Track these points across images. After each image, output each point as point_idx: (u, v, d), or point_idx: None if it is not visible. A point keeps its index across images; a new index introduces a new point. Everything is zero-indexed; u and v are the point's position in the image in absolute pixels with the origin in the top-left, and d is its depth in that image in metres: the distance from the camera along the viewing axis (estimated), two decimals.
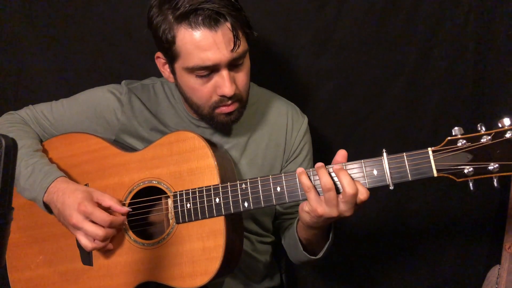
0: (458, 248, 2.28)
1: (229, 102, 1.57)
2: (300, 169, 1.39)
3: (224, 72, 1.51)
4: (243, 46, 1.52)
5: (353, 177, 1.35)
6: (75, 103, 1.79)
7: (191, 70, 1.52)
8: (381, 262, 2.32)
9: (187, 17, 1.45)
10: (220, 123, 1.64)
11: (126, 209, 1.57)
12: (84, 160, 1.71)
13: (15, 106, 1.86)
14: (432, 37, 2.13)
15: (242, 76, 1.58)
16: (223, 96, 1.54)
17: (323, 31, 2.13)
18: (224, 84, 1.52)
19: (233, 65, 1.54)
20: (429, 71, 2.16)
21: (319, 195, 1.37)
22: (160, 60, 1.65)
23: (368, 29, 2.12)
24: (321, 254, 1.63)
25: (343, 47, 2.14)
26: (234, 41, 1.47)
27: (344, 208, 1.35)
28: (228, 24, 1.46)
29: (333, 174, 1.36)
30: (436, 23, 2.11)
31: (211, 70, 1.51)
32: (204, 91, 1.55)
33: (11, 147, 0.91)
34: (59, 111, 1.79)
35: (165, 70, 1.66)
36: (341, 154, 1.40)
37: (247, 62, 1.60)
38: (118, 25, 2.13)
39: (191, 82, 1.56)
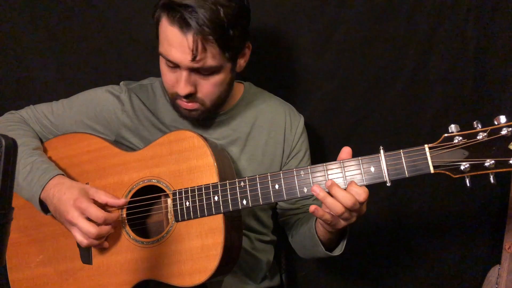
0: (458, 248, 2.27)
1: (185, 100, 1.60)
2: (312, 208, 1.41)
3: (183, 73, 1.54)
4: (208, 62, 1.52)
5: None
6: (75, 103, 1.81)
7: (161, 56, 1.57)
8: (381, 262, 2.32)
9: (168, 9, 1.49)
10: (182, 115, 1.68)
11: (122, 200, 1.58)
12: (84, 160, 1.71)
13: (15, 106, 1.87)
14: (432, 37, 2.13)
15: (206, 85, 1.59)
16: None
17: (323, 31, 2.13)
18: (179, 84, 1.56)
19: (197, 71, 1.55)
20: (429, 71, 2.15)
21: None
22: None
23: (368, 29, 2.12)
24: (342, 251, 1.67)
25: (343, 47, 2.14)
26: (193, 54, 1.48)
27: (355, 215, 1.42)
28: (190, 37, 1.47)
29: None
30: (436, 23, 2.11)
31: (175, 65, 1.54)
32: (168, 79, 1.61)
33: (11, 147, 0.91)
34: (60, 111, 1.80)
35: None
36: (346, 151, 1.44)
37: (218, 77, 1.59)
38: (118, 25, 2.13)
39: (162, 66, 1.62)
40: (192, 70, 1.53)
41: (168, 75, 1.60)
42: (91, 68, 2.18)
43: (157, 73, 1.76)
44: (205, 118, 1.70)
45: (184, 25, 1.46)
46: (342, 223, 1.42)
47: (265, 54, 2.12)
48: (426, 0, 2.09)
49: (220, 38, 1.48)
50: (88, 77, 2.17)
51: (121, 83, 1.82)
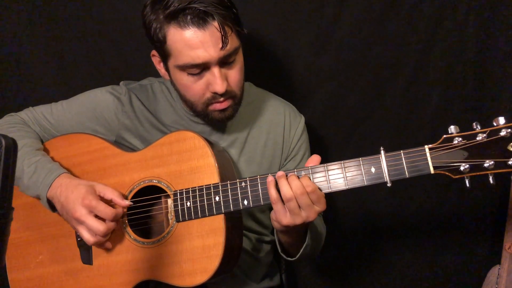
0: (458, 248, 2.28)
1: (222, 99, 1.58)
2: (270, 178, 1.43)
3: (215, 70, 1.53)
4: (233, 43, 1.53)
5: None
6: (75, 104, 1.80)
7: (183, 68, 1.54)
8: (381, 262, 2.32)
9: (176, 16, 1.47)
10: (215, 120, 1.65)
11: (127, 202, 1.58)
12: (84, 160, 1.71)
13: (15, 106, 1.87)
14: (432, 37, 2.12)
15: (234, 73, 1.59)
16: (215, 93, 1.56)
17: (323, 31, 2.13)
18: (216, 81, 1.53)
19: (224, 63, 1.55)
20: (429, 71, 2.15)
21: (285, 206, 1.42)
22: (155, 58, 1.68)
23: (368, 29, 2.12)
24: (297, 256, 1.64)
25: (343, 47, 2.14)
26: (223, 39, 1.48)
27: (305, 214, 1.41)
28: (216, 23, 1.47)
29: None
30: (436, 23, 2.11)
31: (202, 67, 1.53)
32: (197, 88, 1.57)
33: (11, 147, 0.92)
34: (59, 112, 1.80)
35: (161, 68, 1.68)
36: (314, 159, 1.47)
37: (239, 59, 1.60)
38: (118, 25, 2.13)
39: (184, 80, 1.57)
40: (220, 63, 1.53)
41: (194, 86, 1.57)
42: (91, 68, 2.18)
43: (157, 73, 1.76)
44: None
45: (200, 20, 1.46)
46: (288, 217, 1.42)
47: (265, 54, 2.12)
48: (426, 0, 2.09)
49: (231, 15, 1.51)
50: (88, 77, 2.17)
51: (121, 83, 1.82)
